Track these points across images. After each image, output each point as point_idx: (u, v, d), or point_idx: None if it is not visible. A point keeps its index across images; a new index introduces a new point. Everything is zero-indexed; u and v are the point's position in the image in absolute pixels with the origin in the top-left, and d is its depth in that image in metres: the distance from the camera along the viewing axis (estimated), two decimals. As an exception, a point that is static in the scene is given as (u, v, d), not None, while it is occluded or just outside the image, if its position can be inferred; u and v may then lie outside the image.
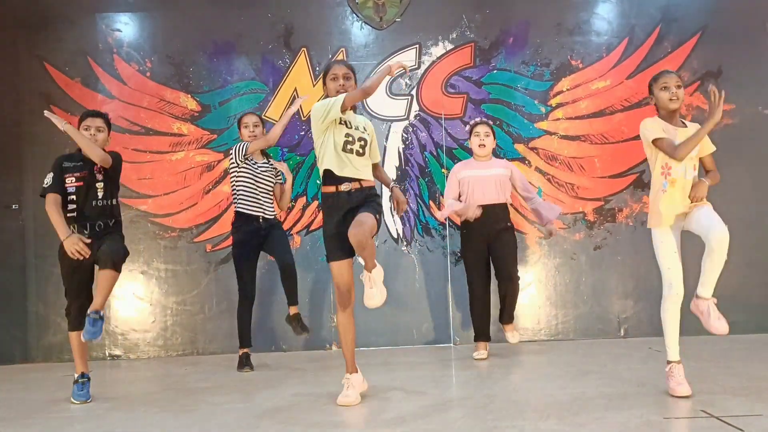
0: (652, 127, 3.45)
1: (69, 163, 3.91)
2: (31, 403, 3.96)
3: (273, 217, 4.86)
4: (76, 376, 3.92)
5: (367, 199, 3.54)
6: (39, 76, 5.59)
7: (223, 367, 4.84)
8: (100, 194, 3.91)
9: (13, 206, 5.55)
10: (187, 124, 5.63)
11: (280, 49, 5.66)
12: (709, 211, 3.35)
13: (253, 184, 4.78)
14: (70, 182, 3.87)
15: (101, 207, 3.91)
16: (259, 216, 4.76)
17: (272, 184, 4.89)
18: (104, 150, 3.93)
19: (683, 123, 3.52)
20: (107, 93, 5.62)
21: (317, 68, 5.63)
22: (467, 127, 5.31)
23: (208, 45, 5.65)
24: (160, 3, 5.74)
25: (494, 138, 4.87)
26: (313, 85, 5.59)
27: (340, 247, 3.55)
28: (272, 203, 4.88)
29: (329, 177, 3.54)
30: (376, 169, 3.76)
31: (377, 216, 3.49)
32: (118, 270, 3.77)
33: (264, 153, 4.94)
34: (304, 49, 5.66)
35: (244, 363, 4.71)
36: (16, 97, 5.61)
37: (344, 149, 3.52)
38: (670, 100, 3.43)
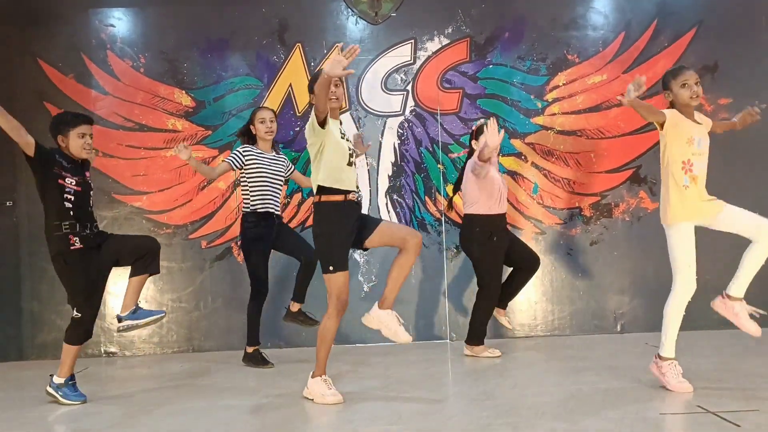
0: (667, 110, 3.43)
1: (64, 161, 3.82)
2: (25, 401, 3.95)
3: (280, 212, 4.87)
4: (63, 380, 3.87)
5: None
6: (32, 73, 5.55)
7: (219, 364, 4.82)
8: (91, 202, 3.95)
9: (7, 203, 5.52)
10: (181, 120, 5.60)
11: (275, 44, 5.63)
12: (745, 211, 3.38)
13: (266, 179, 4.74)
14: (70, 183, 3.81)
15: (91, 213, 3.94)
16: (272, 212, 4.75)
17: (283, 179, 4.85)
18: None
19: (697, 121, 3.51)
20: (101, 89, 5.58)
21: (312, 64, 5.60)
22: (475, 126, 4.91)
23: (202, 41, 5.62)
24: (154, -2, 5.71)
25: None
26: (308, 80, 5.55)
27: (347, 256, 3.52)
28: (280, 198, 4.85)
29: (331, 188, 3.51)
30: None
31: None
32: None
33: (274, 146, 4.90)
34: (299, 44, 5.63)
35: (261, 360, 4.69)
36: (10, 94, 5.53)
37: (348, 163, 3.56)
38: (691, 98, 3.40)
